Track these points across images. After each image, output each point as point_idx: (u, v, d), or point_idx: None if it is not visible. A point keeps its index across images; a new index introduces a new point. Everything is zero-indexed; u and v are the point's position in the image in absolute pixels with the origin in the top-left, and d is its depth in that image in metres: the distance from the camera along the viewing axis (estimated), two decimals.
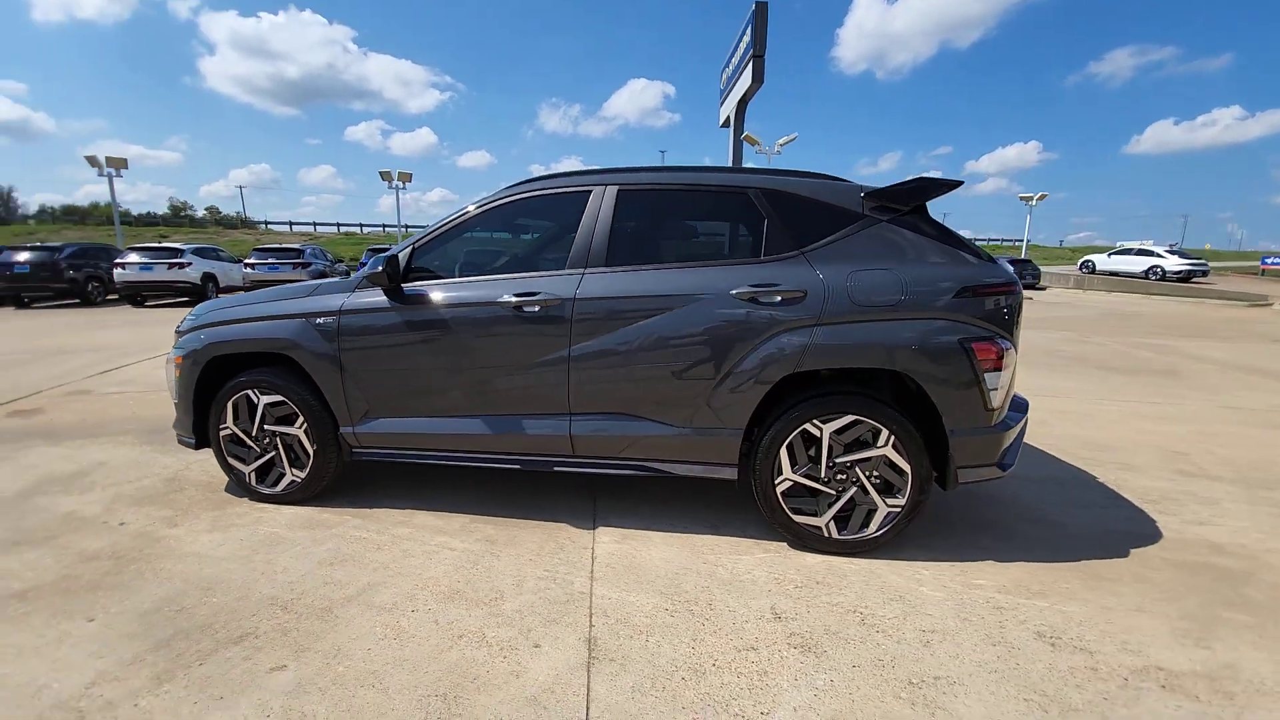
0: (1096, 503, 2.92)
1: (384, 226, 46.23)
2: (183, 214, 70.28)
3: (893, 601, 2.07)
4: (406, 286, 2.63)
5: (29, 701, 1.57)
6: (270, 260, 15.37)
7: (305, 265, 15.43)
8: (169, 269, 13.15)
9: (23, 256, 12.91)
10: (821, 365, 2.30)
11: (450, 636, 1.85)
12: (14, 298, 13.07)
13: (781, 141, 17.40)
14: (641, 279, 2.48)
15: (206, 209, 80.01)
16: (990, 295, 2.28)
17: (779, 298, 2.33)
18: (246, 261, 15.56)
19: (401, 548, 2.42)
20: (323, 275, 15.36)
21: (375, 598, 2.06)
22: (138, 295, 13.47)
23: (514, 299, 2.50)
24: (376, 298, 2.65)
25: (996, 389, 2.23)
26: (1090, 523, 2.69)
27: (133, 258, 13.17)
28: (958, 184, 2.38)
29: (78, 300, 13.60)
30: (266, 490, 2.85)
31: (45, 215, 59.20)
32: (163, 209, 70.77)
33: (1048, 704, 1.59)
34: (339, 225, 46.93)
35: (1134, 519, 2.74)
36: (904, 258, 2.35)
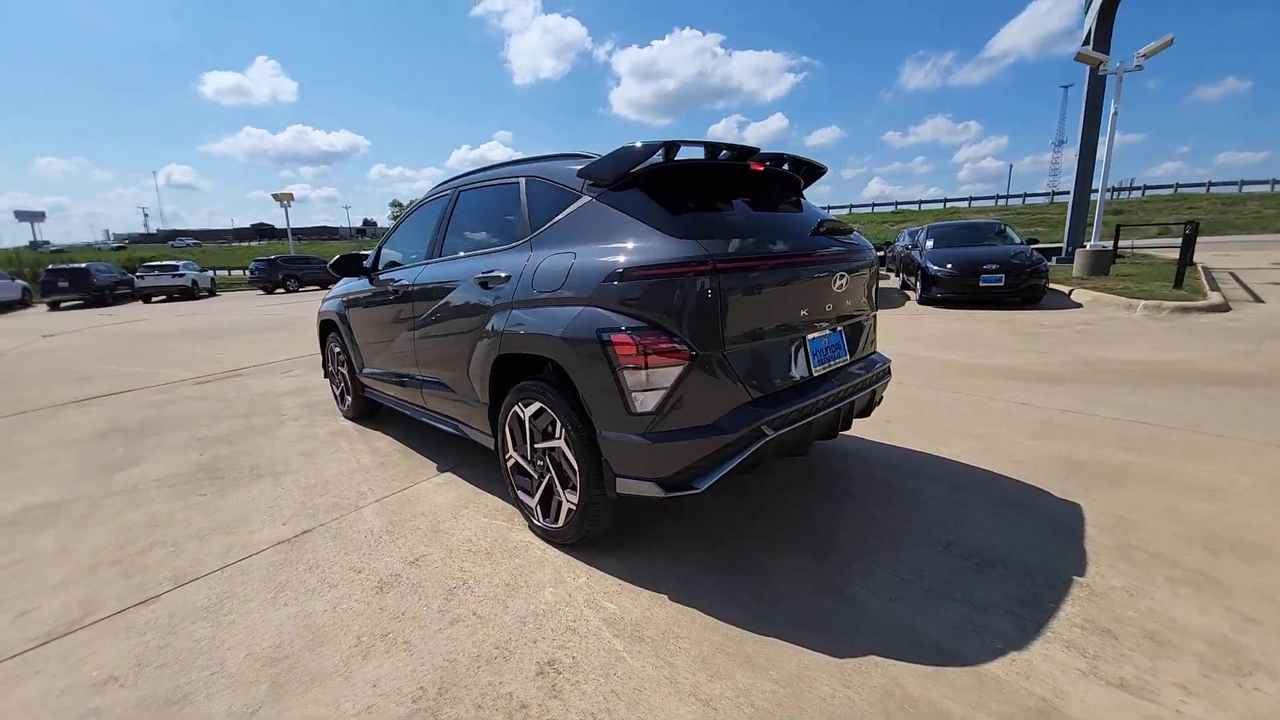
0: None
1: None
2: None
3: (507, 586, 2.10)
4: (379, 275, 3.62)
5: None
6: None
7: None
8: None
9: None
10: (510, 350, 2.35)
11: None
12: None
13: (1146, 51, 12.28)
14: (443, 268, 2.92)
15: None
16: (642, 280, 1.93)
17: (494, 283, 2.47)
18: None
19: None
20: None
21: None
22: None
23: (392, 285, 3.30)
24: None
25: (638, 391, 1.91)
26: None
27: None
28: (657, 149, 2.05)
29: None
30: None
31: None
32: None
33: None
34: None
35: None
36: (591, 238, 2.16)
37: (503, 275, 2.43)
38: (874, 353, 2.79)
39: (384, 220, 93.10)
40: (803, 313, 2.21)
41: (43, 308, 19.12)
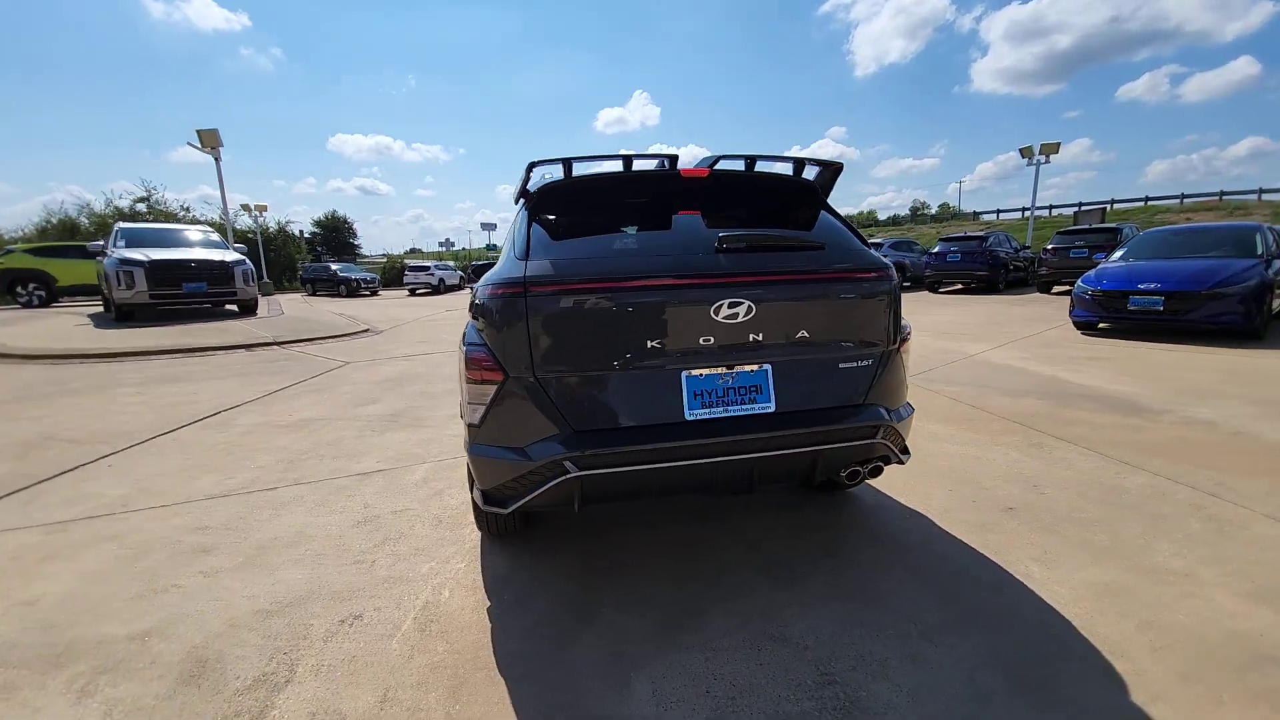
0: None
1: (1073, 206, 38.84)
2: (920, 213, 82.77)
3: (416, 550, 2.51)
4: None
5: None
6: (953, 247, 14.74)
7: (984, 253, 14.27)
8: None
9: None
10: None
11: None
12: None
13: None
14: None
15: (941, 205, 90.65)
16: (484, 299, 2.03)
17: None
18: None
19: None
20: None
21: None
22: None
23: None
24: None
25: (470, 402, 2.02)
26: None
27: None
28: (534, 165, 2.10)
29: None
30: None
31: None
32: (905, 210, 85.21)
33: None
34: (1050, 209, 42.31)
35: None
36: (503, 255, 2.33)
37: None
38: (867, 404, 2.11)
39: None
40: (665, 344, 1.92)
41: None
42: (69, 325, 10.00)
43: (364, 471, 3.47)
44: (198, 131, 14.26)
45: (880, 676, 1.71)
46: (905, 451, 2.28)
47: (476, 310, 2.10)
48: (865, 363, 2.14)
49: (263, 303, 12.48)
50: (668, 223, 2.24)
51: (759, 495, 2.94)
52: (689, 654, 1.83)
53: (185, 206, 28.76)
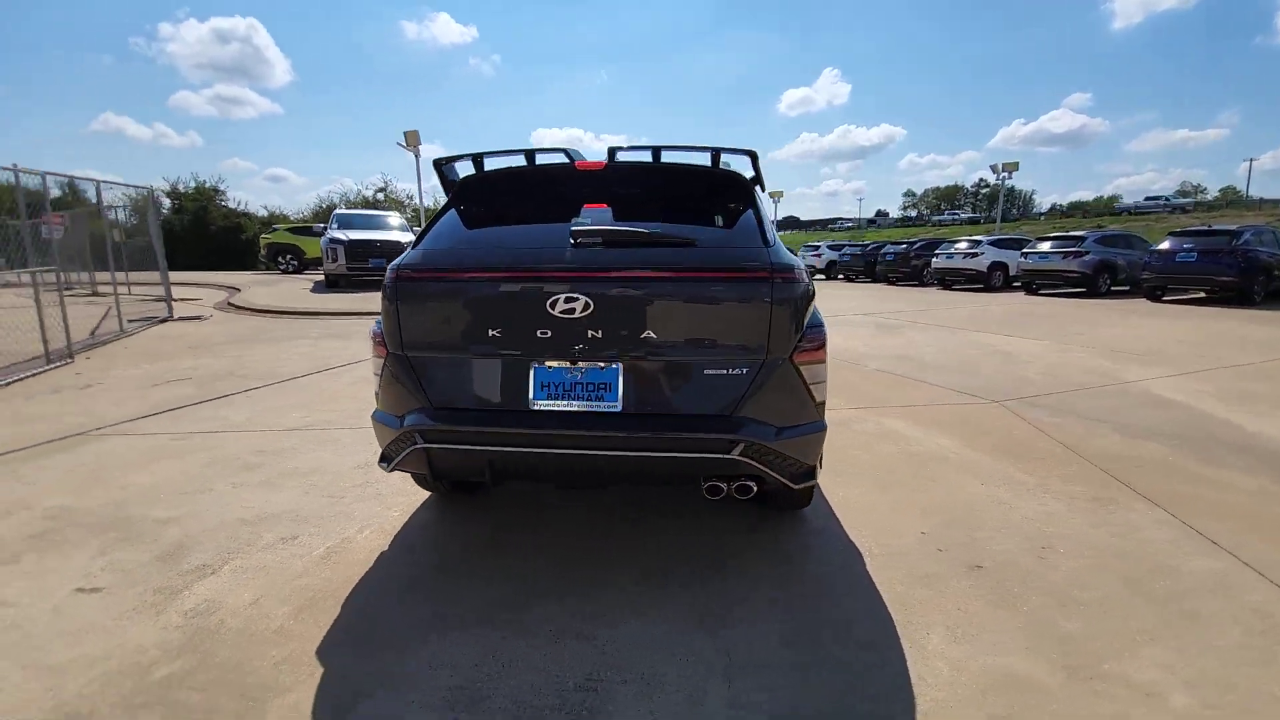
0: None
1: None
2: (1195, 197, 65.06)
3: (379, 496, 2.94)
4: None
5: None
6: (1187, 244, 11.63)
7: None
8: (1063, 258, 13.38)
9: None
10: None
11: None
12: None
13: None
14: None
15: (1224, 189, 70.79)
16: None
17: None
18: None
19: None
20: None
21: None
22: (945, 279, 16.71)
23: None
24: None
25: (375, 372, 2.31)
26: None
27: (1041, 247, 14.23)
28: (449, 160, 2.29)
29: (916, 281, 18.44)
30: None
31: (1055, 211, 71.49)
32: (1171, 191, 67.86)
33: None
34: None
35: None
36: None
37: None
38: (734, 416, 1.95)
39: (895, 211, 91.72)
40: (507, 335, 2.00)
41: None
42: (297, 288, 12.94)
43: None
44: (404, 133, 17.24)
45: (644, 697, 1.63)
46: (803, 477, 2.04)
47: None
48: (738, 371, 1.96)
49: None
50: (575, 215, 2.28)
51: (696, 496, 2.82)
52: (493, 630, 1.92)
53: (410, 195, 34.55)
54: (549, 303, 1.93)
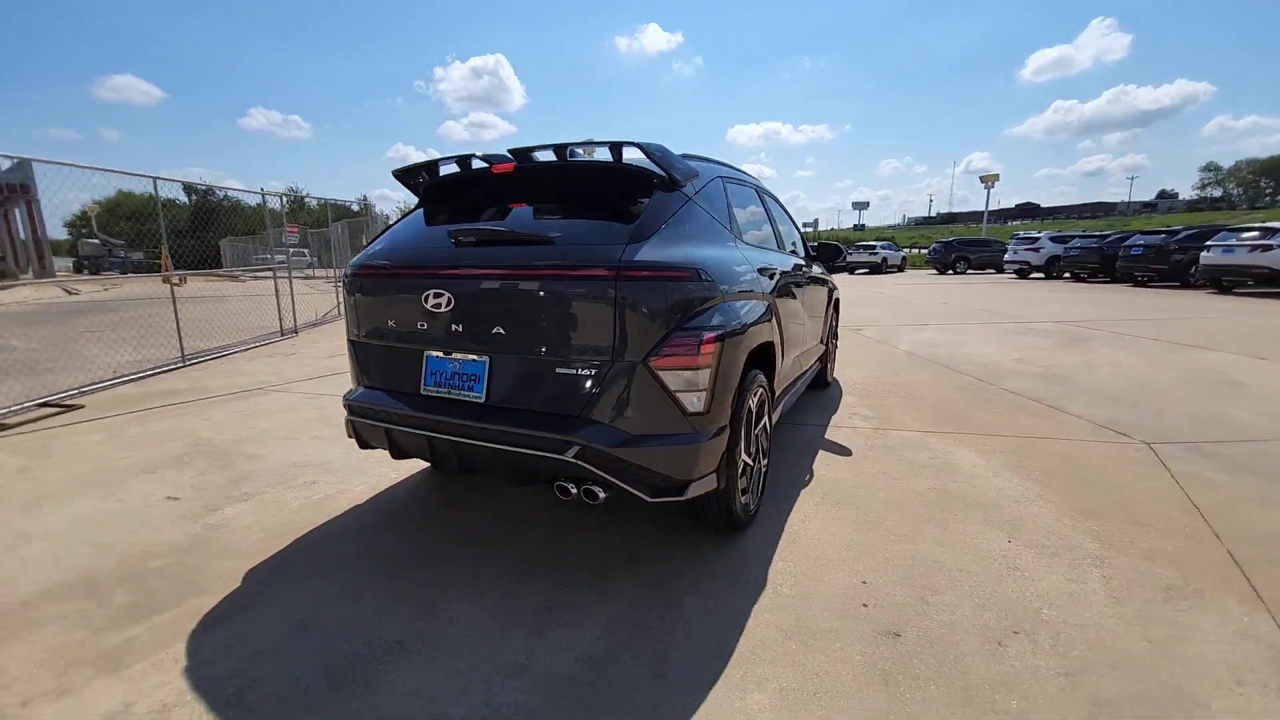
0: None
1: None
2: None
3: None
4: None
5: None
6: None
7: None
8: (1251, 251, 11.74)
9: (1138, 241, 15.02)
10: None
11: None
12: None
13: None
14: None
15: None
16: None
17: None
18: None
19: None
20: None
21: None
22: (1220, 280, 12.67)
23: None
24: None
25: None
26: None
27: (1225, 240, 12.51)
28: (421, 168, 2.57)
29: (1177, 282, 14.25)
30: None
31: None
32: None
33: None
34: None
35: None
36: None
37: None
38: (576, 417, 1.92)
39: (1186, 192, 69.59)
40: (398, 325, 2.25)
41: None
42: None
43: None
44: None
45: (430, 666, 1.72)
46: (665, 491, 1.92)
47: None
48: (586, 372, 1.90)
49: None
50: (503, 216, 2.41)
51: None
52: (365, 580, 2.17)
53: None
54: (423, 297, 2.12)
